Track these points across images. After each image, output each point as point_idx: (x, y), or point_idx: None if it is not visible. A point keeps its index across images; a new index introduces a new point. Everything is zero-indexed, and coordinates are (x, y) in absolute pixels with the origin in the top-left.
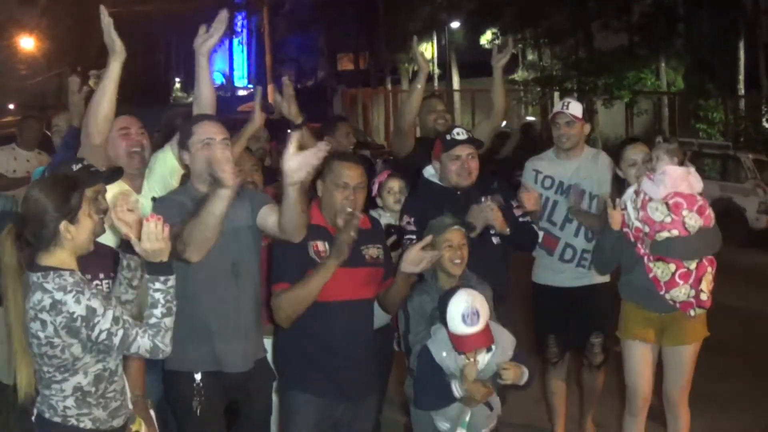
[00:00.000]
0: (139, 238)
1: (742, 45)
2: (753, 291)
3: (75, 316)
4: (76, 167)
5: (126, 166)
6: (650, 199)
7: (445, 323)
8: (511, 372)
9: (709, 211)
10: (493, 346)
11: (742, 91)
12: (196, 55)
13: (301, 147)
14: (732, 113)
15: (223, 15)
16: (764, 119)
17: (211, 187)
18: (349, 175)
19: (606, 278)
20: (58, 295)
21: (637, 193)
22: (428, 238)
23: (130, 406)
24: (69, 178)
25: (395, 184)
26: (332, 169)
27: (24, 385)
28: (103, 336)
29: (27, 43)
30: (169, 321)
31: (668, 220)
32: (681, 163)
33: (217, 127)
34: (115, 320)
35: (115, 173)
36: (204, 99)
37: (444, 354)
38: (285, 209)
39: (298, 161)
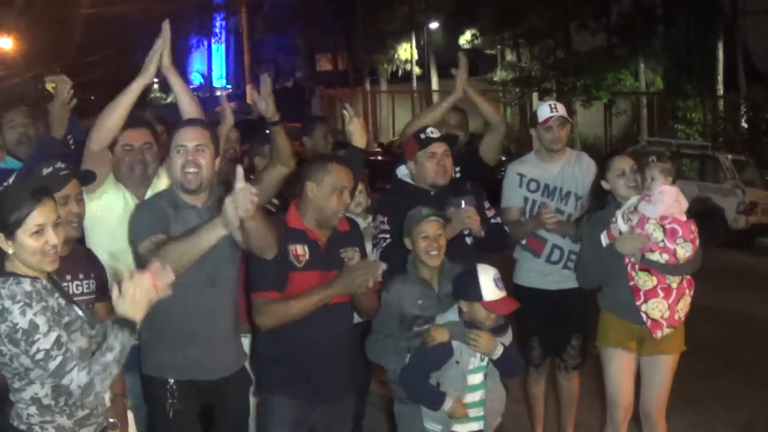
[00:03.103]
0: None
1: (720, 46)
2: (732, 291)
3: (17, 327)
4: (47, 170)
5: (127, 178)
6: (648, 219)
7: (473, 298)
8: (483, 340)
9: (696, 237)
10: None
11: (720, 92)
12: (163, 73)
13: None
14: (711, 114)
15: (165, 26)
16: (743, 120)
17: (214, 219)
18: (347, 178)
19: None
20: (7, 303)
21: (633, 212)
22: (374, 261)
23: (108, 413)
24: (16, 194)
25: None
26: (331, 172)
27: None
28: (40, 356)
29: (5, 43)
30: (115, 370)
31: (662, 245)
32: (674, 180)
33: (191, 132)
34: (58, 345)
35: (87, 177)
36: (185, 110)
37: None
38: (247, 238)
39: (240, 199)
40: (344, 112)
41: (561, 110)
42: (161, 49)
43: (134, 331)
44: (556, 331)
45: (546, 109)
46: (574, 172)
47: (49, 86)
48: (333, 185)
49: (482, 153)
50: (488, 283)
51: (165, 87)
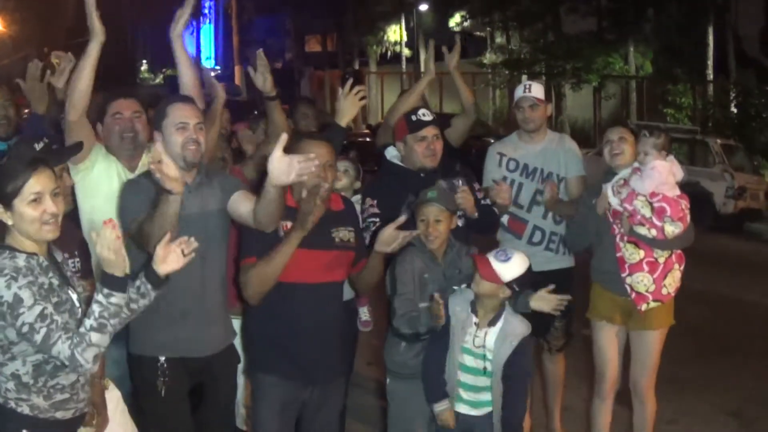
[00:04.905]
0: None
1: (711, 30)
2: (721, 275)
3: (2, 300)
4: (38, 146)
5: (118, 148)
6: (637, 195)
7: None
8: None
9: (687, 214)
10: (499, 324)
11: (710, 77)
12: (171, 38)
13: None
14: (700, 98)
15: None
16: (732, 104)
17: (161, 191)
18: (318, 152)
19: (571, 262)
20: None
21: (622, 185)
22: (401, 218)
23: (92, 399)
24: (12, 164)
25: (339, 165)
26: (300, 148)
27: None
28: (25, 329)
29: None
30: (96, 337)
31: (650, 220)
32: (668, 153)
33: (191, 110)
34: (42, 317)
35: (75, 147)
36: (185, 81)
37: (456, 307)
38: (263, 204)
39: (285, 165)
40: (340, 88)
41: (535, 91)
42: (179, 16)
43: (118, 287)
44: (539, 313)
45: (519, 90)
46: (557, 153)
47: (54, 60)
48: None
49: (447, 134)
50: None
51: (153, 68)
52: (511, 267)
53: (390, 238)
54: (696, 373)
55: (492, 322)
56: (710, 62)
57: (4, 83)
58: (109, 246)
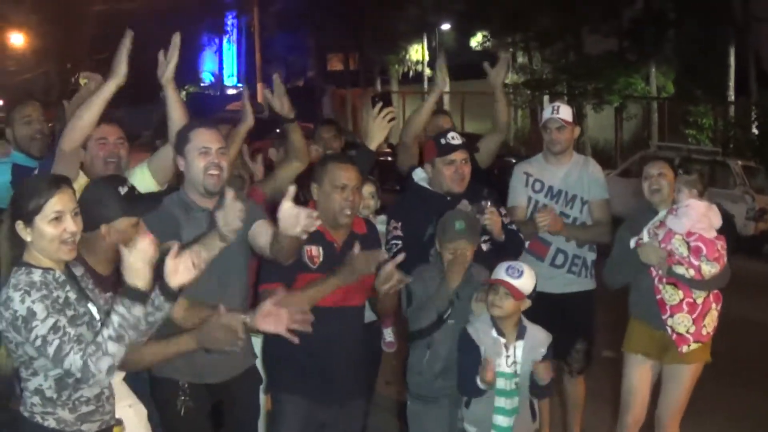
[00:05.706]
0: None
1: (732, 51)
2: (740, 298)
3: (17, 315)
4: (122, 190)
5: (101, 173)
6: (674, 234)
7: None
8: (543, 368)
9: (723, 255)
10: (526, 336)
11: (731, 97)
12: (162, 84)
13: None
14: (721, 119)
15: (176, 39)
16: (754, 126)
17: (212, 231)
18: (346, 176)
19: (593, 285)
20: (10, 291)
21: (658, 226)
22: (400, 257)
23: (115, 414)
24: (36, 182)
25: (366, 189)
26: (328, 171)
27: None
28: (39, 342)
29: (16, 39)
30: (113, 347)
31: (688, 260)
32: (701, 193)
33: (213, 135)
34: (55, 329)
35: (158, 197)
36: (176, 122)
37: (480, 335)
38: (278, 244)
39: (292, 218)
40: (371, 109)
41: (563, 113)
42: (168, 60)
43: (140, 299)
44: (560, 336)
45: (548, 111)
46: (581, 176)
47: (82, 81)
48: (332, 183)
49: (476, 156)
50: (501, 269)
51: (176, 84)
52: (527, 279)
53: (388, 275)
54: (712, 396)
55: (519, 336)
56: (731, 83)
57: (32, 98)
58: (143, 258)
